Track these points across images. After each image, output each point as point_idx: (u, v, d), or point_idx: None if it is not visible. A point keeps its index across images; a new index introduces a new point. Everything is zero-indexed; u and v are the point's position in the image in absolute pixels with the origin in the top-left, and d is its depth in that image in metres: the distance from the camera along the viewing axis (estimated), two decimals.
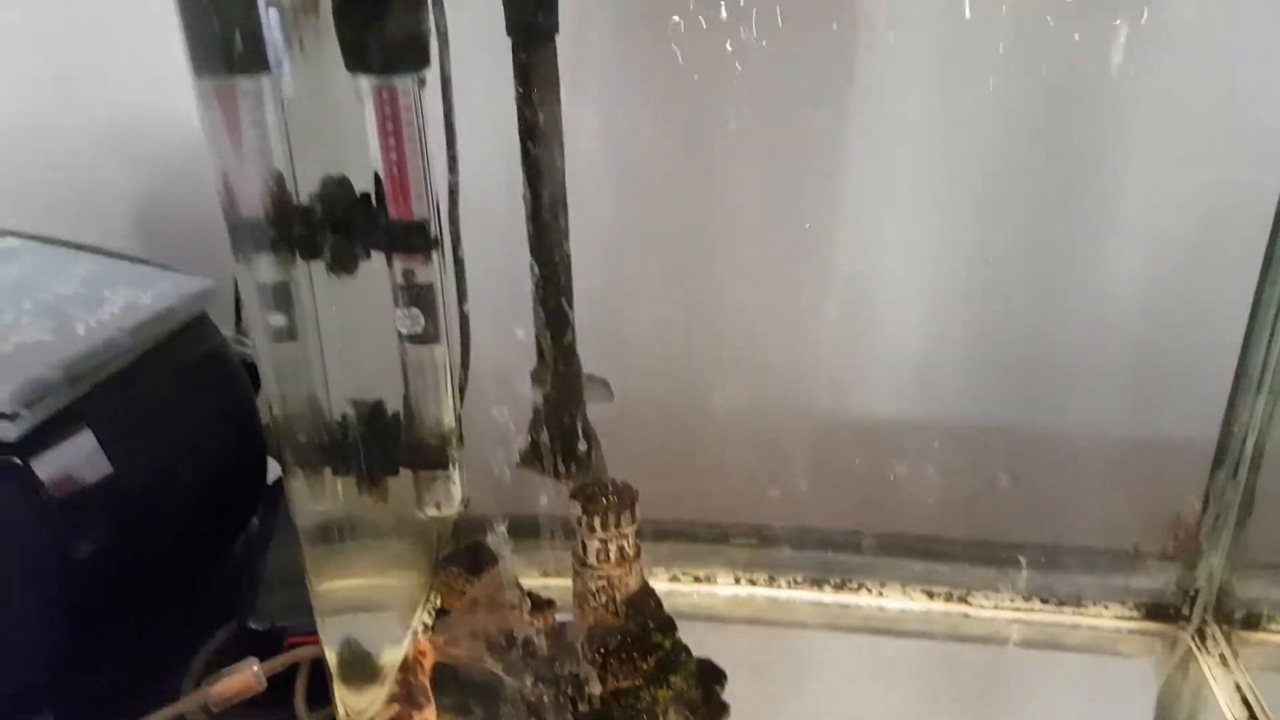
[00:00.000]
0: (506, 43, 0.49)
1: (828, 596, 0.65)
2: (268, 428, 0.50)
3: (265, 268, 0.48)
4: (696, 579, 0.67)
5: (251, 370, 0.71)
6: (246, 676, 0.57)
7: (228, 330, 0.70)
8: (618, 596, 0.54)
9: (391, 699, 0.53)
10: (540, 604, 0.57)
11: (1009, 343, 0.67)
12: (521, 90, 0.49)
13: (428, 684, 0.55)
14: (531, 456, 0.57)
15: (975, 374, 0.68)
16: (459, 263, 0.51)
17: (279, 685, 0.59)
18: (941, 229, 0.65)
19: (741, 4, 0.57)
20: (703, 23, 0.57)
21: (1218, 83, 0.59)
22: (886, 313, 0.67)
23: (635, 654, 0.53)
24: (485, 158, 0.52)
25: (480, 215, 0.53)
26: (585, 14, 0.54)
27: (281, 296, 0.50)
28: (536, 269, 0.50)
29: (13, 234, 0.70)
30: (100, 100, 0.82)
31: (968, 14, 0.56)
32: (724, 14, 0.57)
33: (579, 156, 0.52)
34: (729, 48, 0.58)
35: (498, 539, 0.52)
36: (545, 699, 0.54)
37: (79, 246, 0.70)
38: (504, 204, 0.55)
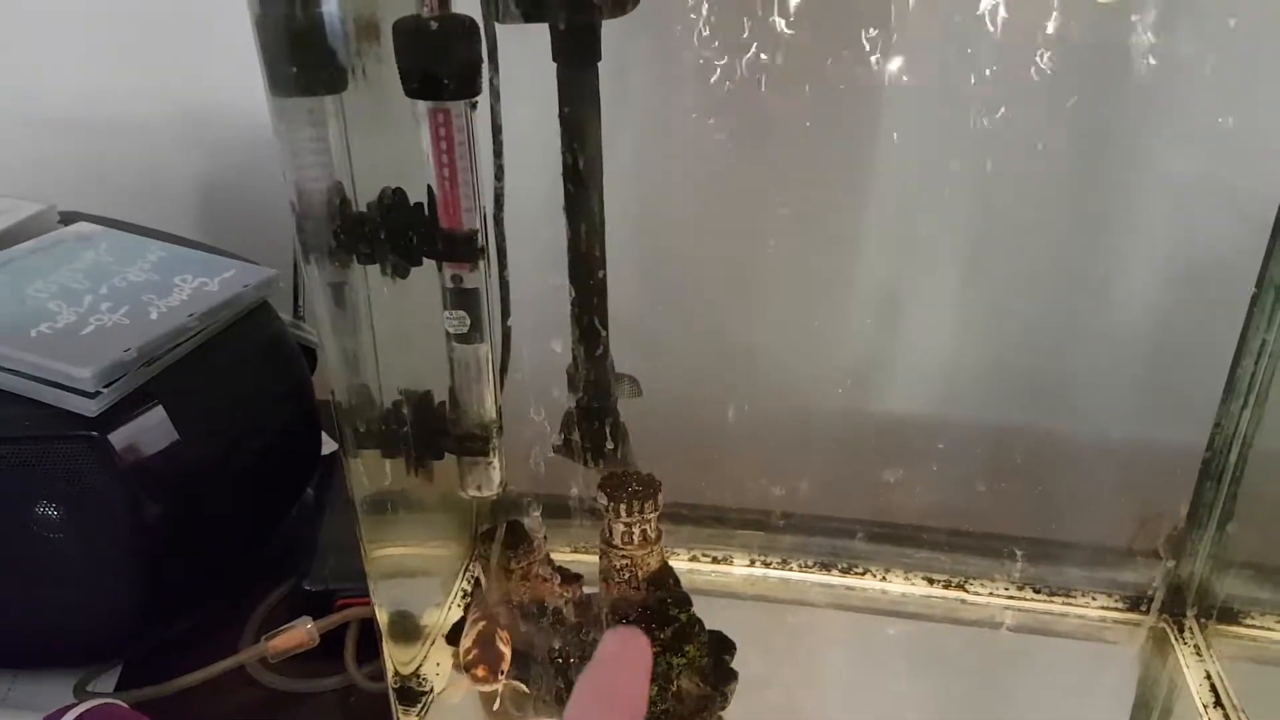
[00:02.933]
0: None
1: (835, 579, 0.70)
2: (335, 406, 0.55)
3: (328, 270, 0.54)
4: (715, 559, 0.72)
5: (309, 353, 0.77)
6: (302, 632, 0.63)
7: (286, 314, 0.75)
8: (639, 574, 0.59)
9: (475, 619, 0.59)
10: (570, 578, 0.62)
11: (1023, 350, 0.70)
12: (565, 112, 0.54)
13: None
14: (566, 449, 0.62)
15: (990, 379, 0.72)
16: (504, 283, 0.56)
17: (330, 641, 0.64)
18: (965, 241, 0.68)
19: (777, 30, 0.60)
20: (739, 39, 0.61)
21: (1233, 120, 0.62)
22: (909, 320, 0.71)
23: (653, 625, 0.58)
24: (531, 174, 0.56)
25: (525, 226, 0.58)
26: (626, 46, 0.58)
27: (339, 296, 0.55)
28: (572, 290, 0.55)
29: (90, 220, 0.75)
30: (174, 91, 0.87)
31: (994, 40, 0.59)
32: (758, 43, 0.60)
33: (621, 166, 0.57)
34: (765, 60, 0.61)
35: (532, 522, 0.57)
36: (572, 661, 0.59)
37: (150, 232, 0.75)
38: (546, 215, 0.60)
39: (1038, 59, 0.60)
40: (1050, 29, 0.59)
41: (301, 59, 0.48)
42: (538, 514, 0.57)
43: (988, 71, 0.61)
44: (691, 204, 0.70)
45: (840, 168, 0.67)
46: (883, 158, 0.66)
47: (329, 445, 0.79)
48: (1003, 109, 0.62)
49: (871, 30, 0.60)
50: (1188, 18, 0.59)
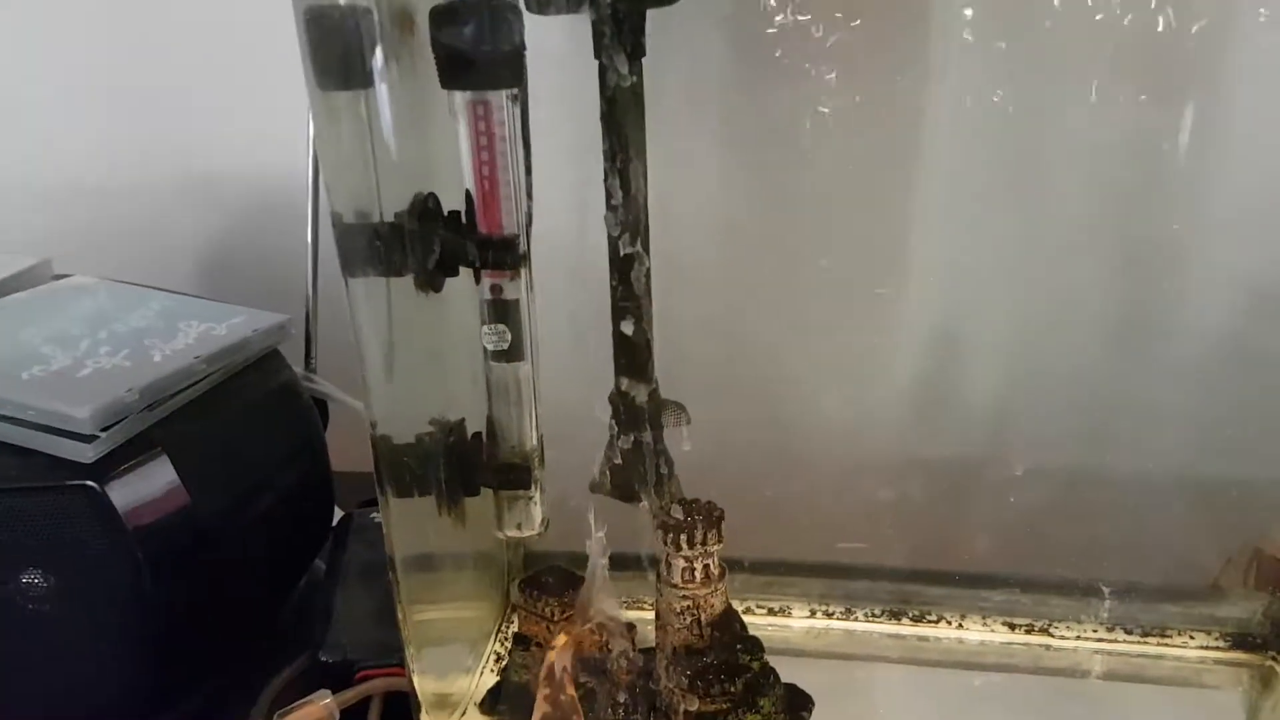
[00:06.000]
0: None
1: (905, 629, 0.64)
2: (375, 440, 0.49)
3: (371, 283, 0.49)
4: (771, 610, 0.65)
5: (322, 408, 0.71)
6: (319, 708, 0.56)
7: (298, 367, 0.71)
8: (703, 618, 0.52)
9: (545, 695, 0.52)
10: (622, 628, 0.56)
11: (1090, 386, 0.66)
12: (607, 112, 0.50)
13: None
14: (604, 482, 0.57)
15: (1051, 416, 0.68)
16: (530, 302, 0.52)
17: (351, 718, 0.58)
18: (1020, 275, 0.64)
19: (827, 46, 0.58)
20: (786, 64, 0.58)
21: None
22: (964, 357, 0.67)
23: (723, 676, 0.51)
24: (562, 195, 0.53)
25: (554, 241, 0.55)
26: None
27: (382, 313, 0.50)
28: (618, 309, 0.52)
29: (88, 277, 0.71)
30: (178, 156, 0.85)
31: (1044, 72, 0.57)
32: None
33: (662, 196, 0.53)
34: (812, 93, 0.59)
35: (595, 545, 0.50)
36: None
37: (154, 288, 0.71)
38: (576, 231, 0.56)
39: (1107, 105, 0.58)
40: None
41: (346, 47, 0.45)
42: (601, 535, 0.51)
43: (1048, 95, 0.59)
44: (732, 237, 0.66)
45: (888, 199, 0.64)
46: (940, 196, 0.63)
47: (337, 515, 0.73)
48: (1069, 148, 0.60)
49: (937, 78, 0.59)
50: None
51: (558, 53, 0.52)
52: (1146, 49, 0.57)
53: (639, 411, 0.54)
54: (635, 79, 0.50)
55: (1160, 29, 0.57)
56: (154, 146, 0.85)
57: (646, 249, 0.52)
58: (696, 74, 0.61)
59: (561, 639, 0.52)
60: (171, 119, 0.84)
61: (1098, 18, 0.56)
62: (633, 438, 0.54)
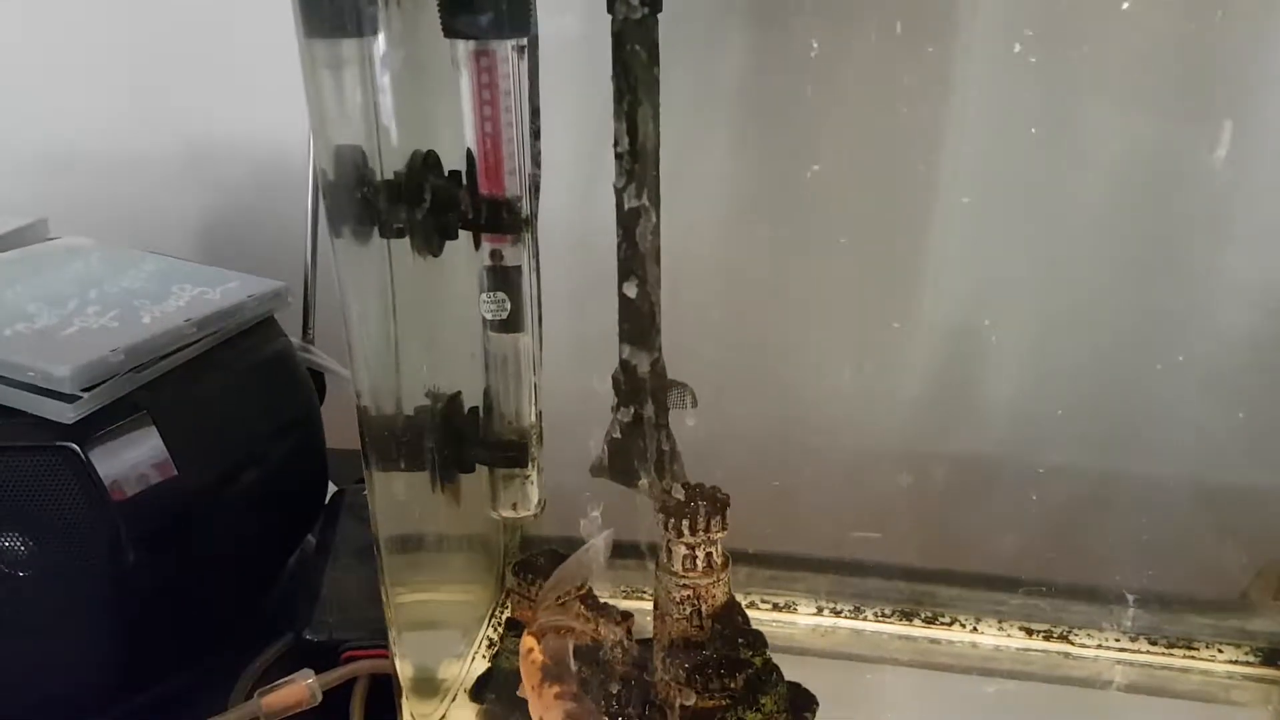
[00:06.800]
0: None
1: (917, 630, 0.61)
2: (361, 411, 0.47)
3: (361, 244, 0.46)
4: (775, 606, 0.63)
5: (319, 380, 0.69)
6: (301, 689, 0.54)
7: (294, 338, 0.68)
8: (704, 609, 0.50)
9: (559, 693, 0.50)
10: (616, 616, 0.53)
11: (1110, 386, 0.64)
12: (621, 69, 0.47)
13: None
14: (604, 463, 0.54)
15: (1072, 416, 0.65)
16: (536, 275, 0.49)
17: (335, 700, 0.55)
18: (1040, 271, 0.62)
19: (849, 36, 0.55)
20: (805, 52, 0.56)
21: None
22: (983, 352, 0.64)
23: (722, 671, 0.49)
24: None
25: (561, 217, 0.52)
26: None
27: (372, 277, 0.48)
28: (625, 281, 0.48)
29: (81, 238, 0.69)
30: (177, 126, 0.85)
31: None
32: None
33: (674, 177, 0.50)
34: (829, 80, 0.56)
35: (590, 524, 0.48)
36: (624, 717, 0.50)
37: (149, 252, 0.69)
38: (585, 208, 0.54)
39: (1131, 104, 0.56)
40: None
41: None
42: (598, 514, 0.48)
43: (1073, 96, 0.56)
44: (742, 218, 0.63)
45: (909, 193, 0.61)
46: (955, 183, 0.60)
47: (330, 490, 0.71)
48: (1088, 134, 0.57)
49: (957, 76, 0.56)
50: None
51: (575, 19, 0.50)
52: (1172, 58, 0.55)
53: (641, 383, 0.51)
54: (647, 11, 0.47)
55: (1186, 39, 0.54)
56: (154, 113, 0.84)
57: (656, 203, 0.49)
58: (712, 61, 0.58)
59: (530, 639, 0.49)
60: (173, 84, 0.83)
61: (1125, 26, 0.54)
62: (633, 411, 0.52)
